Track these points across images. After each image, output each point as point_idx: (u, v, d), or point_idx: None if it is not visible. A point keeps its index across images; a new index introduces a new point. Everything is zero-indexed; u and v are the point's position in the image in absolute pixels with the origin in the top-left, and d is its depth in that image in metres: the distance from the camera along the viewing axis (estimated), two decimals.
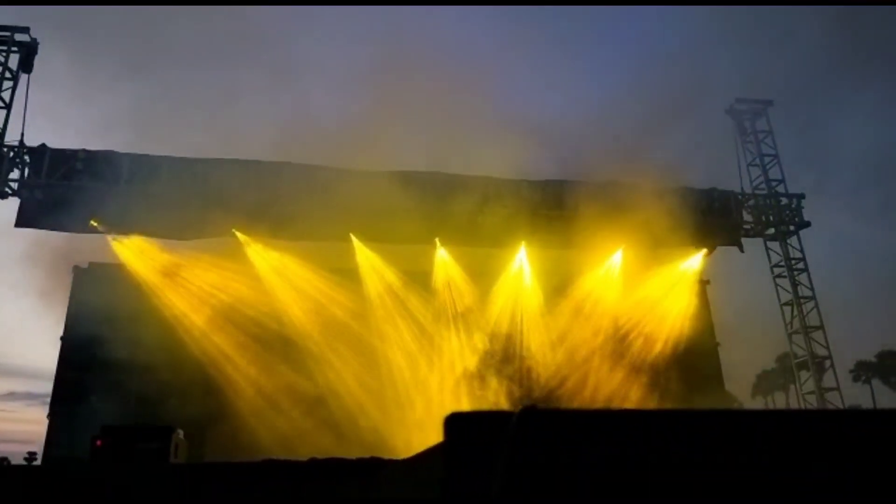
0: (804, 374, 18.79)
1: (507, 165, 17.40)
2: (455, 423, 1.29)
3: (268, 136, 18.19)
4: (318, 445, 13.92)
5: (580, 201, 17.48)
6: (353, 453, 11.68)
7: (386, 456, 11.61)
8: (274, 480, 9.65)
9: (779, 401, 59.15)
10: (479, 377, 17.41)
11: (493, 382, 17.40)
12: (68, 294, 16.16)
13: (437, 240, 17.67)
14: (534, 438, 1.21)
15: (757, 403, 58.51)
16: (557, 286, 18.39)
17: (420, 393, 16.92)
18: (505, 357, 17.81)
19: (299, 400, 15.57)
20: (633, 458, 1.18)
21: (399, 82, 18.87)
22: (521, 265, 18.42)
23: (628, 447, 1.18)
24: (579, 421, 1.24)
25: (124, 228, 15.72)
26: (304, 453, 11.80)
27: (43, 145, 15.42)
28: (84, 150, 15.52)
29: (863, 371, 55.03)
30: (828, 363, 18.46)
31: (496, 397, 17.20)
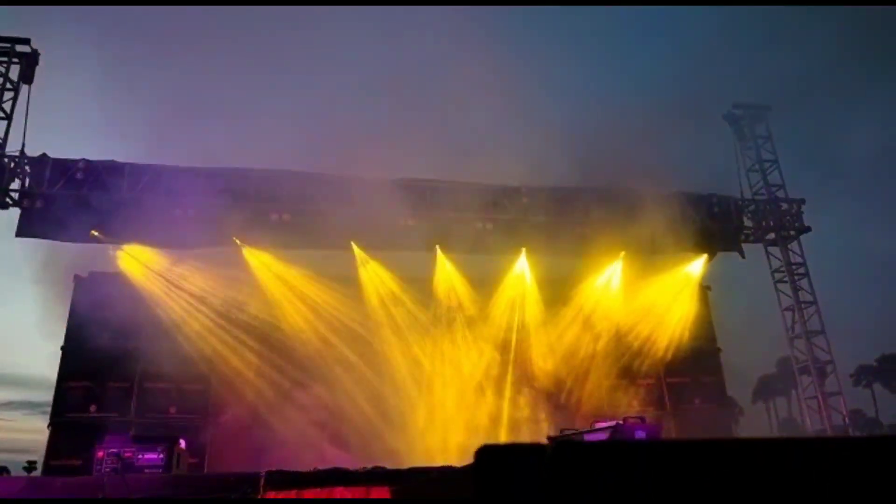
0: (805, 379, 18.77)
1: (508, 172, 17.41)
2: (487, 455, 1.28)
3: (268, 143, 18.19)
4: (322, 455, 13.90)
5: (580, 208, 17.55)
6: (356, 463, 11.70)
7: (390, 465, 11.63)
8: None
9: (780, 405, 59.16)
10: (482, 386, 17.37)
11: (498, 392, 17.36)
12: (69, 303, 16.10)
13: (437, 247, 17.65)
14: (569, 473, 1.20)
15: (758, 408, 58.59)
16: (558, 293, 18.39)
17: (423, 402, 16.88)
18: (508, 366, 17.78)
19: (303, 410, 15.51)
20: (674, 493, 1.16)
21: (402, 89, 18.88)
22: (523, 272, 18.42)
23: (669, 482, 1.16)
24: (617, 455, 1.23)
25: (125, 238, 15.70)
26: (307, 463, 11.79)
27: (44, 155, 15.40)
28: (84, 160, 15.49)
29: (864, 375, 55.04)
30: (829, 368, 18.44)
31: (503, 407, 17.17)
